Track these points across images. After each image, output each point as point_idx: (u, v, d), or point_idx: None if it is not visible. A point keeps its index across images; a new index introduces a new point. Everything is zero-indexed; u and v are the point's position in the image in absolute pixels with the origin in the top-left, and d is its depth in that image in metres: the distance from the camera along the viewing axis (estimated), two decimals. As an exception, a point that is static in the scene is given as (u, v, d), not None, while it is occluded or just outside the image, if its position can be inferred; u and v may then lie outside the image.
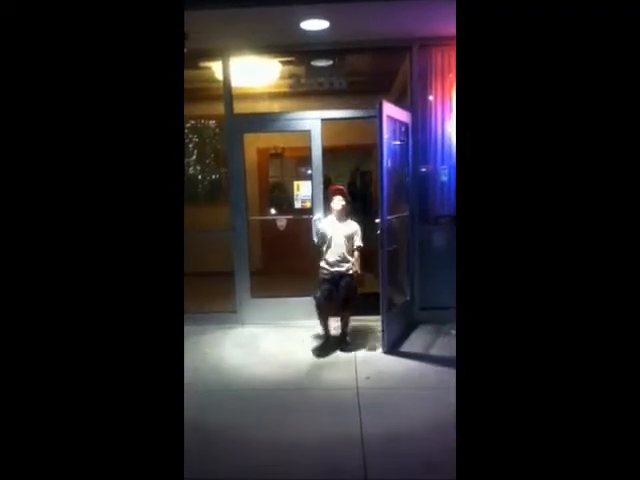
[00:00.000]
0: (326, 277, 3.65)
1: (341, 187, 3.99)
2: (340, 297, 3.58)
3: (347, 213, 3.78)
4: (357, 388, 3.01)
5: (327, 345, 3.68)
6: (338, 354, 3.57)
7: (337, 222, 3.71)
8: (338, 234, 3.66)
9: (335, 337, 3.76)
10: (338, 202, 3.68)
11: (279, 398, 2.95)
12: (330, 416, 2.70)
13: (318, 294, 3.57)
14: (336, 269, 3.65)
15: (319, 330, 3.81)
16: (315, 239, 3.80)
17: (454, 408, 1.29)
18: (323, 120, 4.15)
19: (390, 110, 3.68)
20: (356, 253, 3.68)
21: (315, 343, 3.77)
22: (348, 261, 3.66)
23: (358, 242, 3.69)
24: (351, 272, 3.64)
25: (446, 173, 4.16)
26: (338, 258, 3.65)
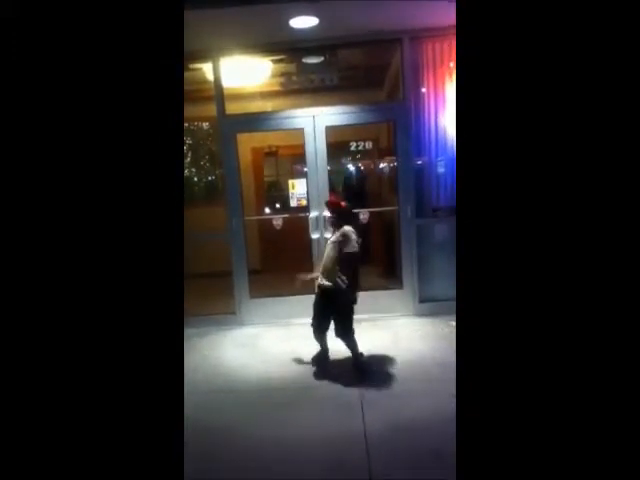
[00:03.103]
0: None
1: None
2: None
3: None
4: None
5: (323, 357, 3.36)
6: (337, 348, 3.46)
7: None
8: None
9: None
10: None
11: (280, 397, 2.94)
12: (332, 412, 2.70)
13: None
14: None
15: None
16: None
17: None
18: (316, 117, 4.14)
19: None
20: None
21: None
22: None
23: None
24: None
25: (442, 165, 4.15)
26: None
